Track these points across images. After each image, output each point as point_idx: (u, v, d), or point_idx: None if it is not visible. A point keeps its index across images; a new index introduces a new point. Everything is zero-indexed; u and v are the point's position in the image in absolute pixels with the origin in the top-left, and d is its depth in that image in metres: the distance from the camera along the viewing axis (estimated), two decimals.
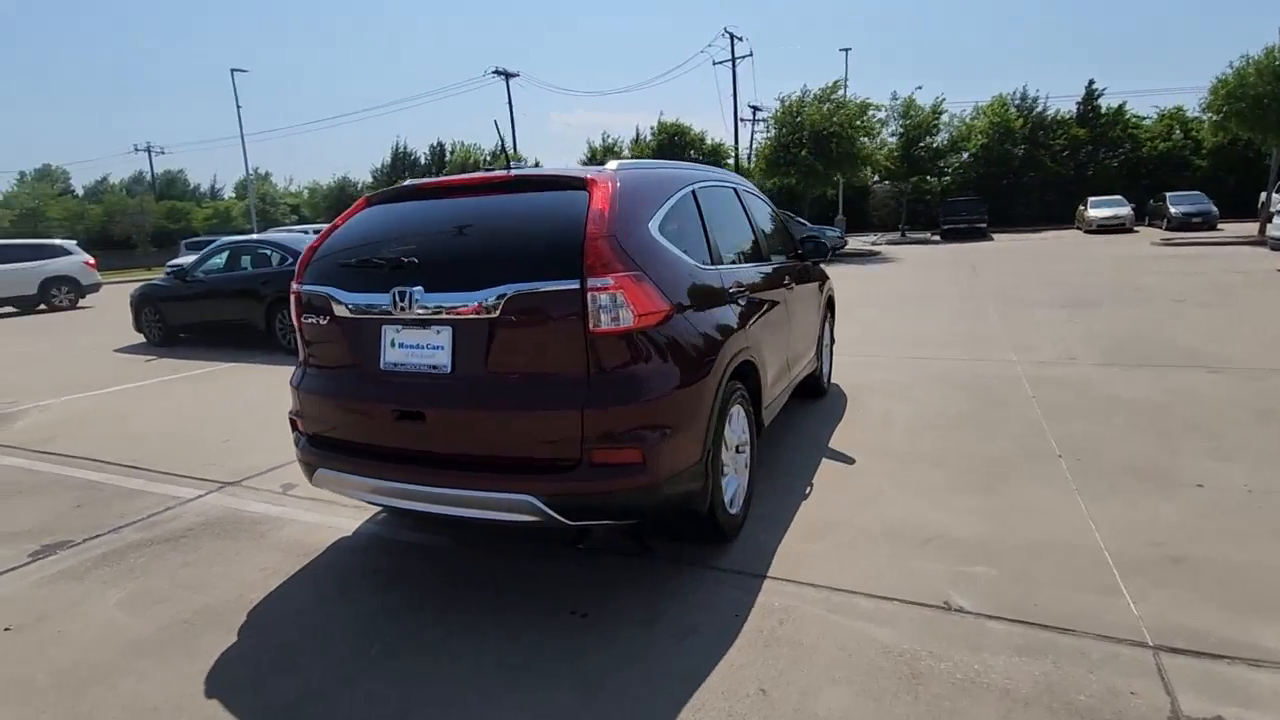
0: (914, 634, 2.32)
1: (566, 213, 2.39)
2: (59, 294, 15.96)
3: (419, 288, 2.42)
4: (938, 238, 28.24)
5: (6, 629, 2.63)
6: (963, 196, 30.21)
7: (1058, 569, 2.70)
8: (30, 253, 15.92)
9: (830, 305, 5.49)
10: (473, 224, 2.59)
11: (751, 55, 36.52)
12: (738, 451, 3.11)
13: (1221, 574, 2.61)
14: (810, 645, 2.29)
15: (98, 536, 3.39)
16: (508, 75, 39.71)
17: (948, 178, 33.90)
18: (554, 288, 2.28)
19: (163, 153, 50.09)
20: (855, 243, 27.47)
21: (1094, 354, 6.34)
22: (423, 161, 44.56)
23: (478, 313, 2.34)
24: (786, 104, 23.02)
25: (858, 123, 21.98)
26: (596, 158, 33.46)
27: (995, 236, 27.36)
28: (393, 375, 2.54)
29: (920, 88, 39.53)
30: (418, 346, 2.47)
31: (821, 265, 5.50)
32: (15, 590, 2.93)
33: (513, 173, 2.70)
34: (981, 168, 34.13)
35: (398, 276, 2.48)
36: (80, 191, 49.25)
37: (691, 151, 25.43)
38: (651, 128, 26.95)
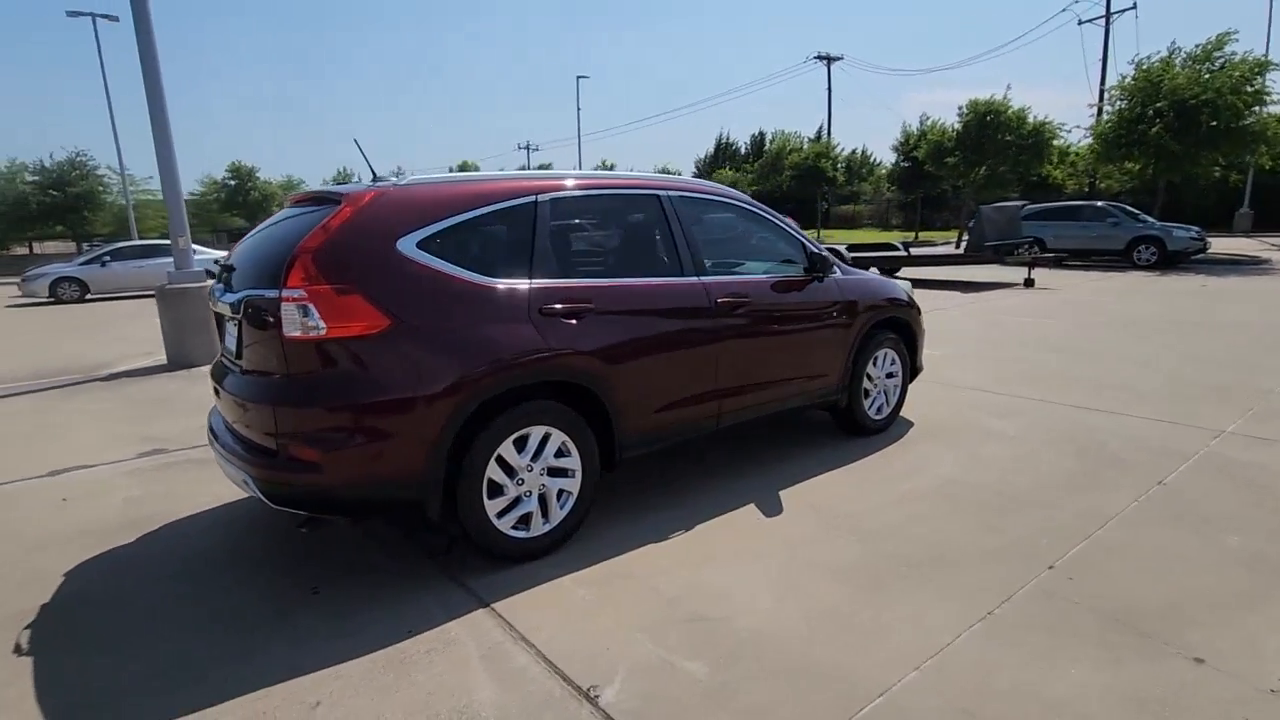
0: (514, 706, 2.09)
1: (305, 227, 2.61)
2: None
3: (221, 287, 2.90)
4: None
5: (64, 499, 3.86)
6: None
7: (779, 696, 2.10)
8: None
9: (893, 326, 4.56)
10: (269, 235, 2.96)
11: (1135, 8, 29.07)
12: (551, 475, 2.99)
13: None
14: (417, 683, 2.22)
15: (183, 450, 4.65)
16: (829, 59, 38.59)
17: None
18: (263, 295, 2.55)
19: (537, 149, 60.06)
20: (1249, 246, 20.79)
21: None
22: (742, 150, 46.06)
23: (233, 313, 2.73)
24: (1143, 69, 18.13)
25: (1248, 88, 16.30)
26: (910, 142, 30.60)
27: None
28: (224, 356, 3.08)
29: None
30: (232, 336, 2.96)
31: (895, 283, 4.61)
32: (103, 475, 4.22)
33: (320, 190, 2.99)
34: None
35: (223, 277, 3.00)
36: None
37: (1005, 134, 21.46)
38: (960, 108, 23.56)
